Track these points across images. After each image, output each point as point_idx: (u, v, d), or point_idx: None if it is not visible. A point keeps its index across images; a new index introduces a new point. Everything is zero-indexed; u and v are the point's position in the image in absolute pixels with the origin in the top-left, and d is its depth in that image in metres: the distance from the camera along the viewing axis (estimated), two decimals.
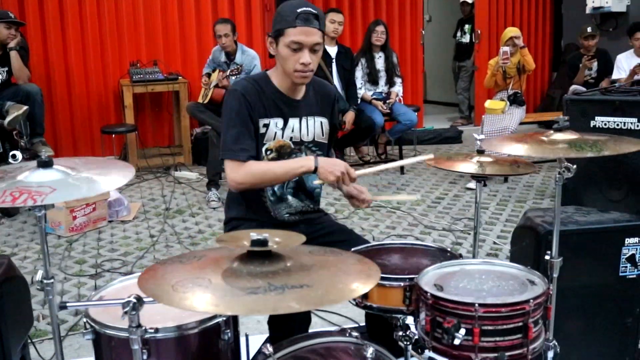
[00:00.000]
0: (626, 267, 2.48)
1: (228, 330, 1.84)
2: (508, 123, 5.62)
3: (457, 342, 1.63)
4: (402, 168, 6.32)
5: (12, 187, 1.53)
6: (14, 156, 4.37)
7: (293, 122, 2.31)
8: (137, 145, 6.41)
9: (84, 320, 1.82)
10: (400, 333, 2.05)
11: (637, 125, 2.68)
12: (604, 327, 2.52)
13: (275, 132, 2.28)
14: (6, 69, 5.27)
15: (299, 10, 2.11)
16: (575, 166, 1.82)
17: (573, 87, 6.79)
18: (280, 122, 2.29)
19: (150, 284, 1.44)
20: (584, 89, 6.59)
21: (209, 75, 5.69)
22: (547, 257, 1.95)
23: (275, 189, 2.33)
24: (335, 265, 1.52)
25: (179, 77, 6.53)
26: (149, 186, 5.91)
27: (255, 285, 1.35)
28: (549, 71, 9.15)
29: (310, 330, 2.37)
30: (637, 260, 2.48)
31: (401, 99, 6.29)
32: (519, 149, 1.84)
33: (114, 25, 6.68)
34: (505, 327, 1.64)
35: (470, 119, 9.01)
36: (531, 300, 1.65)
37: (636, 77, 6.19)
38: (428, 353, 1.89)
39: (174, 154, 6.66)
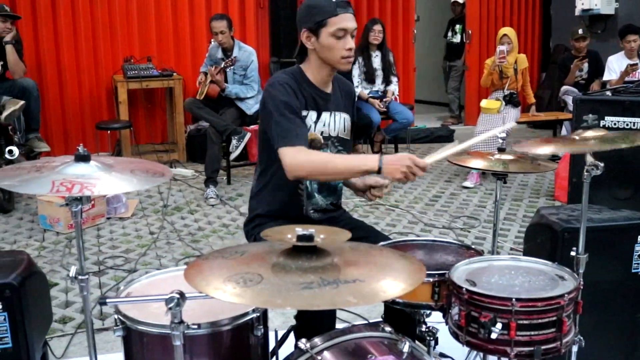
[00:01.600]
0: (638, 264, 2.52)
1: (260, 326, 1.84)
2: (504, 123, 5.68)
3: (494, 336, 1.65)
4: None
5: (59, 179, 1.52)
6: (10, 151, 4.31)
7: (325, 115, 2.34)
8: (130, 141, 6.37)
9: (115, 316, 1.81)
10: (424, 328, 2.08)
11: None
12: (616, 323, 2.56)
13: (310, 125, 2.30)
14: (1, 63, 5.21)
15: (336, 0, 2.16)
16: (603, 164, 1.86)
17: (564, 88, 6.90)
18: (314, 115, 2.31)
19: (197, 280, 1.44)
20: (574, 90, 6.71)
21: (205, 74, 5.66)
22: (572, 254, 1.98)
23: (307, 183, 2.33)
24: (380, 260, 1.53)
25: (174, 74, 6.50)
26: None
27: (307, 280, 1.36)
28: (537, 72, 9.26)
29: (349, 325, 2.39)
30: None
31: (397, 97, 6.33)
32: (550, 149, 1.87)
33: (106, 21, 6.63)
34: (540, 321, 1.67)
35: (461, 119, 9.08)
36: (565, 295, 1.68)
37: (628, 78, 6.30)
38: (443, 348, 1.90)
39: (168, 151, 6.63)
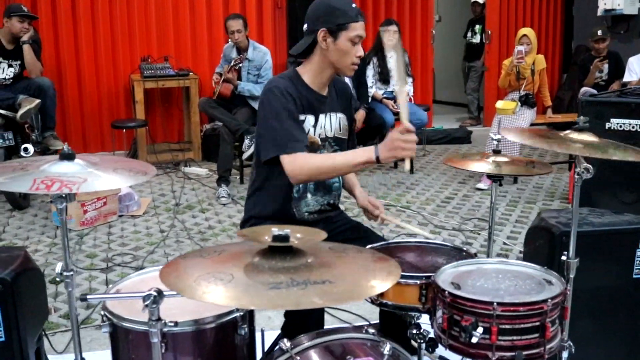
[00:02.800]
0: None
1: (245, 326, 1.85)
2: (519, 124, 5.62)
3: (474, 340, 1.63)
4: (412, 167, 6.32)
5: (41, 177, 1.54)
6: (25, 149, 4.39)
7: (322, 118, 2.34)
8: (146, 140, 6.43)
9: (102, 313, 1.83)
10: (415, 331, 2.06)
11: None
12: (616, 329, 2.52)
13: (309, 129, 2.31)
14: (19, 62, 5.29)
15: (355, 6, 2.21)
16: (594, 167, 1.82)
17: (584, 89, 6.78)
18: (312, 119, 2.31)
19: (172, 278, 1.45)
20: (594, 91, 6.59)
21: (220, 74, 5.70)
22: (563, 258, 1.95)
23: (300, 186, 2.33)
24: (356, 262, 1.52)
25: (190, 73, 6.55)
26: (158, 182, 5.93)
27: (277, 280, 1.36)
28: (559, 73, 9.13)
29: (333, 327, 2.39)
30: None
31: (412, 98, 6.29)
32: (538, 143, 1.84)
33: (125, 21, 6.70)
34: (522, 326, 1.64)
35: (479, 120, 9.00)
36: (549, 300, 1.65)
37: None
38: (443, 351, 1.90)
39: (184, 150, 6.68)
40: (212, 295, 1.33)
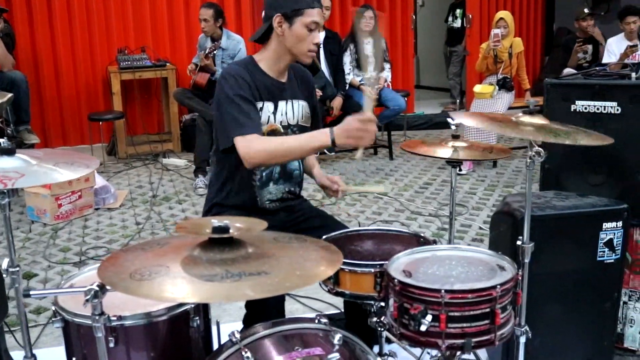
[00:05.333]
0: (604, 251, 2.46)
1: (197, 318, 1.83)
2: (497, 107, 5.60)
3: (423, 328, 1.62)
4: (390, 153, 6.31)
5: None
6: None
7: (282, 105, 2.31)
8: (125, 132, 6.38)
9: (53, 308, 1.81)
10: (375, 319, 2.05)
11: (617, 109, 2.66)
12: (583, 312, 2.51)
13: (269, 116, 2.28)
14: None
15: None
16: (545, 151, 1.81)
17: (566, 71, 6.77)
18: (271, 106, 2.29)
19: (109, 272, 1.43)
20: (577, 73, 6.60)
21: (196, 65, 5.65)
22: (518, 242, 1.93)
23: (264, 174, 2.31)
24: (297, 252, 1.50)
25: (167, 64, 6.49)
26: (136, 173, 5.88)
27: (212, 272, 1.34)
28: (540, 55, 9.11)
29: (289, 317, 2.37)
30: (614, 244, 2.47)
31: (389, 84, 6.26)
32: (493, 126, 1.83)
33: (101, 11, 6.61)
34: (472, 313, 1.63)
35: (462, 104, 8.97)
36: (498, 286, 1.64)
37: (627, 60, 6.17)
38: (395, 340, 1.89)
39: (163, 141, 6.63)
40: (145, 290, 1.30)
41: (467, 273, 1.76)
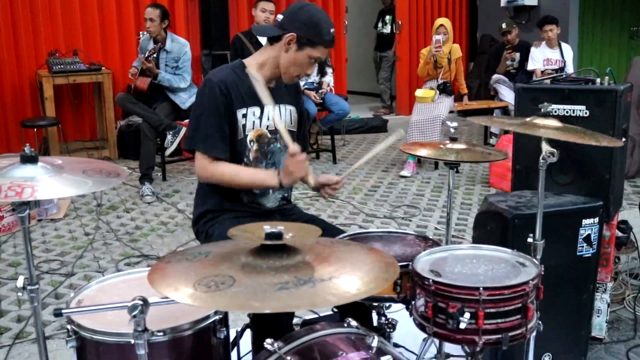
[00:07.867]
0: (583, 246, 2.60)
1: (223, 329, 1.79)
2: (439, 111, 5.77)
3: (462, 326, 1.65)
4: (334, 157, 6.36)
5: (6, 182, 1.41)
6: None
7: (268, 110, 2.28)
8: (58, 139, 6.09)
9: (68, 327, 1.72)
10: (383, 320, 2.07)
11: (586, 112, 2.81)
12: (563, 305, 2.64)
13: (254, 121, 2.27)
14: None
15: (332, 32, 2.21)
16: (558, 151, 1.89)
17: (495, 77, 7.13)
18: (257, 110, 2.27)
19: (165, 285, 1.37)
20: (505, 79, 6.97)
21: (137, 69, 5.47)
22: (529, 240, 2.01)
23: None
24: (349, 256, 1.50)
25: (102, 68, 6.25)
26: None
27: (282, 280, 1.31)
28: (465, 61, 9.46)
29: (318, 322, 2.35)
30: (592, 240, 2.61)
31: (332, 88, 6.32)
32: (519, 128, 1.88)
33: (27, 12, 6.27)
34: (506, 308, 1.68)
35: (392, 109, 9.18)
36: (530, 282, 1.70)
37: (550, 67, 6.56)
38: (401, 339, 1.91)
39: (99, 148, 6.38)
40: (218, 302, 1.26)
41: (492, 271, 1.81)
